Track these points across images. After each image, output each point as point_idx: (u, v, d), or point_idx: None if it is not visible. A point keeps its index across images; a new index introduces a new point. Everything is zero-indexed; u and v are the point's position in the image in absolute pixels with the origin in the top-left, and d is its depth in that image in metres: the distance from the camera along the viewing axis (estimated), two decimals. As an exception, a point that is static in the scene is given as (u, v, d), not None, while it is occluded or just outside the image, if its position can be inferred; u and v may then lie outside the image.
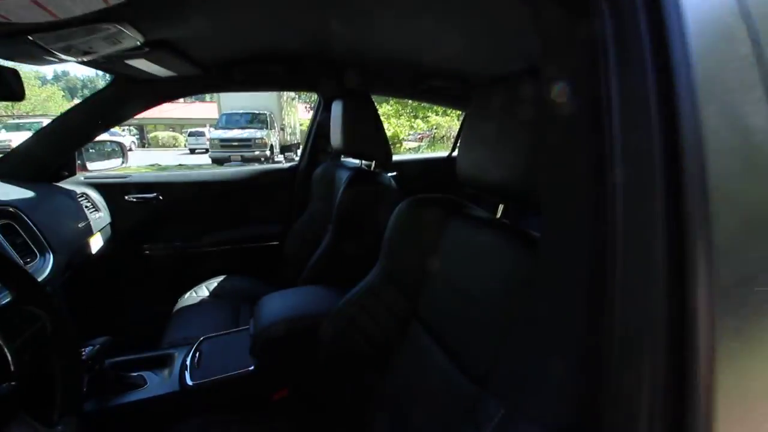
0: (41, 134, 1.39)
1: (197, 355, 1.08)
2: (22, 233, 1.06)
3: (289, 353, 1.04)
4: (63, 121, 1.41)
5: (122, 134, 15.66)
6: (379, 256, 0.95)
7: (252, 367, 1.02)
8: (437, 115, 13.69)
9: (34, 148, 1.39)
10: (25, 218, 1.08)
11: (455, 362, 0.70)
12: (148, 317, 1.76)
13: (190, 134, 14.33)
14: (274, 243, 1.89)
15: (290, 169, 1.94)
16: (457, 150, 2.28)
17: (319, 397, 0.99)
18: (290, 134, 13.07)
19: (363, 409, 0.89)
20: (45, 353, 0.68)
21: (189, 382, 0.98)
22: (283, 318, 1.03)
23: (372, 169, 1.43)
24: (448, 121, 13.78)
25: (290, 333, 1.02)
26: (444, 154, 2.33)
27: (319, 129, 1.85)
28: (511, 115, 0.61)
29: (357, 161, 1.54)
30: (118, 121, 1.47)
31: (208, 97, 18.03)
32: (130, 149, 14.42)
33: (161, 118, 17.39)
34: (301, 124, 14.08)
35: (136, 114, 1.48)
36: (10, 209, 1.04)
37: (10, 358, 0.59)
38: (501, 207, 0.84)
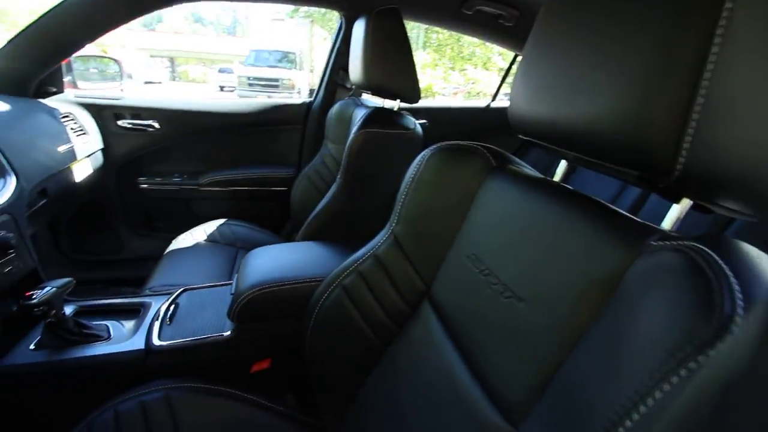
0: (16, 42, 1.19)
1: (171, 308, 0.94)
2: (-26, 151, 0.90)
3: (273, 321, 0.88)
4: (45, 25, 1.20)
5: (153, 65, 15.45)
6: (390, 217, 0.75)
7: (228, 333, 0.86)
8: (476, 68, 12.77)
9: (10, 59, 1.20)
10: (-21, 134, 0.91)
11: (475, 377, 0.51)
12: (140, 257, 1.66)
13: (220, 70, 14.00)
14: (282, 189, 1.71)
15: (304, 105, 1.71)
16: (497, 93, 1.97)
17: (305, 375, 0.83)
18: (319, 77, 12.57)
19: (354, 395, 0.74)
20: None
21: (155, 341, 0.84)
22: (269, 279, 0.86)
23: (395, 110, 1.19)
24: (488, 77, 12.85)
25: (275, 297, 0.85)
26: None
27: (338, 58, 1.57)
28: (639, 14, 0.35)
29: (380, 101, 1.30)
30: (102, 29, 1.24)
31: (239, 32, 17.43)
32: (160, 82, 14.34)
33: (191, 51, 17.02)
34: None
35: (127, 21, 1.25)
36: (-43, 120, 0.87)
37: None
38: (563, 165, 0.60)
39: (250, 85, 9.88)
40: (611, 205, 0.48)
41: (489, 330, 0.51)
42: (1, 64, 1.20)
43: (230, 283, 1.04)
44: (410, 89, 1.08)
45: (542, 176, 0.61)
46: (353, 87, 1.61)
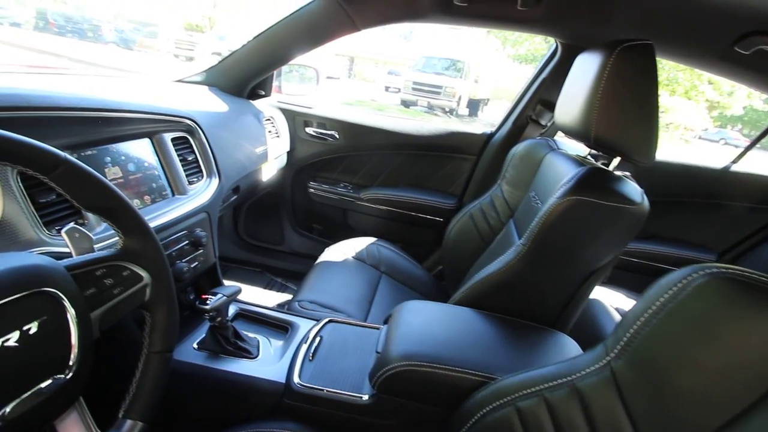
0: (247, 48, 1.33)
1: (316, 341, 0.90)
2: (195, 150, 1.00)
3: (418, 403, 0.75)
4: (267, 37, 1.32)
5: (335, 62, 17.43)
6: (607, 338, 0.54)
7: (366, 397, 0.77)
8: (673, 95, 10.65)
9: (238, 62, 1.36)
10: (202, 134, 1.01)
11: None
12: (296, 253, 1.77)
13: (389, 72, 14.95)
14: (438, 219, 1.59)
15: (483, 136, 1.55)
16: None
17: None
18: (483, 88, 12.29)
19: None
20: (128, 333, 0.53)
21: (295, 378, 0.80)
22: (423, 354, 0.73)
23: (611, 168, 0.93)
24: (687, 107, 10.58)
25: (426, 379, 0.72)
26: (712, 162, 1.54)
27: (540, 90, 1.36)
28: None
29: (581, 147, 1.05)
30: (319, 42, 1.31)
31: (415, 37, 18.31)
32: (339, 78, 16.09)
33: (369, 52, 18.62)
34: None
35: (338, 37, 1.28)
36: (188, 121, 0.98)
37: (74, 339, 0.43)
38: None
39: (414, 89, 10.27)
40: None
41: None
42: (230, 66, 1.37)
43: (376, 328, 0.96)
44: (644, 148, 0.81)
45: None
46: (549, 125, 1.38)
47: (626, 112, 0.80)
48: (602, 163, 0.96)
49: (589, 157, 1.02)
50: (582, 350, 0.86)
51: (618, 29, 1.06)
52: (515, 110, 1.44)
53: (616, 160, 0.93)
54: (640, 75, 0.79)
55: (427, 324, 0.82)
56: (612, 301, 1.40)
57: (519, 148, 1.23)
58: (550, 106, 1.33)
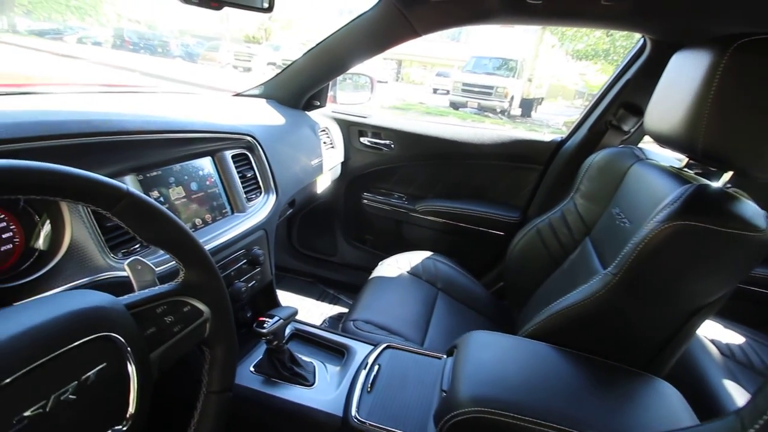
0: (305, 59, 1.31)
1: (375, 370, 0.84)
2: (254, 166, 0.99)
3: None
4: (325, 47, 1.29)
5: (383, 66, 17.53)
6: (742, 408, 0.42)
7: (432, 441, 0.70)
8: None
9: (296, 73, 1.34)
10: (261, 150, 1.00)
11: None
12: (348, 264, 1.73)
13: (437, 74, 14.78)
14: (500, 233, 1.48)
15: (552, 144, 1.41)
16: None
17: None
18: (536, 87, 11.74)
19: None
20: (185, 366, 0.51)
21: (353, 412, 0.74)
22: (498, 399, 0.65)
23: (720, 184, 0.79)
24: None
25: (501, 430, 0.63)
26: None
27: (624, 92, 1.21)
28: None
29: (675, 156, 0.92)
30: (377, 50, 1.26)
31: (463, 38, 17.96)
32: (386, 81, 16.17)
33: (417, 55, 18.54)
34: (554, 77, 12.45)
35: (398, 44, 1.23)
36: (248, 138, 0.97)
37: (133, 385, 0.40)
38: None
39: (464, 90, 10.04)
40: None
41: None
42: (287, 78, 1.36)
43: (437, 357, 0.88)
44: (763, 160, 0.67)
45: None
46: (632, 132, 1.22)
47: (745, 120, 0.66)
48: (696, 173, 0.82)
49: (686, 169, 0.88)
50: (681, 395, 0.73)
51: (724, 22, 0.90)
52: (591, 115, 1.30)
53: (727, 176, 0.78)
54: (764, 75, 0.65)
55: (500, 361, 0.74)
56: (706, 332, 1.21)
57: (597, 157, 1.09)
58: (636, 111, 1.17)
